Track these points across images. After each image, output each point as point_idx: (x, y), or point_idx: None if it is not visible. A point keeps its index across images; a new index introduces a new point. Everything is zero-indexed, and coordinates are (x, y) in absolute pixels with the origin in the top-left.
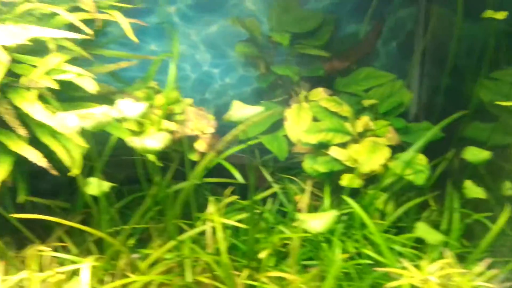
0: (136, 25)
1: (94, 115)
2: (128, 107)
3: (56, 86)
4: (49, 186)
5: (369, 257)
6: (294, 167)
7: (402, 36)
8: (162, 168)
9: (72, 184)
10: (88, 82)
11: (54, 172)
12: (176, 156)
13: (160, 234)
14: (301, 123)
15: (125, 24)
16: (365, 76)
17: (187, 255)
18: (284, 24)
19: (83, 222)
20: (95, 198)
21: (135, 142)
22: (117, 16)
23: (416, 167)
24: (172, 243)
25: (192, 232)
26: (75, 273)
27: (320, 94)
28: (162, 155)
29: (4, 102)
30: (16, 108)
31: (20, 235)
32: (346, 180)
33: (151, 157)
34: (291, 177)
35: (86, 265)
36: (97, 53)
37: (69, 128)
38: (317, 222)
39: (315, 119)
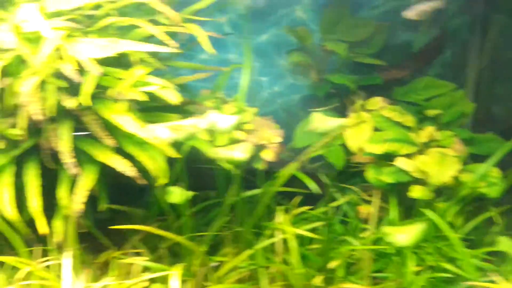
0: (186, 35)
1: (184, 127)
2: (220, 119)
3: (145, 98)
4: (121, 193)
5: (445, 271)
6: (349, 176)
7: (457, 45)
8: (226, 176)
9: (145, 192)
10: (171, 94)
11: (141, 181)
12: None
13: (232, 241)
14: (361, 132)
15: (203, 37)
16: (425, 85)
17: (261, 264)
18: (337, 32)
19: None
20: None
21: (220, 153)
22: (194, 29)
23: (489, 180)
24: (248, 252)
25: (267, 242)
26: (153, 280)
27: (378, 103)
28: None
29: (90, 113)
30: (101, 119)
31: (96, 241)
32: (416, 192)
33: (230, 167)
34: (348, 186)
35: (176, 273)
36: (170, 65)
37: (160, 140)
38: (403, 236)
39: (375, 129)
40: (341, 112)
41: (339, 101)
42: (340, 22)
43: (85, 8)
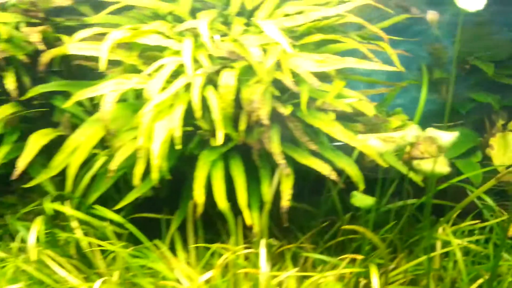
0: None
1: (394, 138)
2: (440, 135)
3: (349, 110)
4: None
5: None
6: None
7: None
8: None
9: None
10: (367, 107)
11: (341, 185)
12: (396, 175)
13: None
14: (509, 152)
15: (393, 54)
16: None
17: (428, 269)
18: (474, 51)
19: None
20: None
21: (421, 166)
22: (385, 47)
23: None
24: (422, 258)
25: (440, 251)
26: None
27: None
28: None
29: (294, 120)
30: (306, 126)
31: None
32: None
33: (416, 178)
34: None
35: (374, 270)
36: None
37: (372, 150)
38: None
39: None
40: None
41: (461, 118)
42: (478, 41)
43: (295, 25)
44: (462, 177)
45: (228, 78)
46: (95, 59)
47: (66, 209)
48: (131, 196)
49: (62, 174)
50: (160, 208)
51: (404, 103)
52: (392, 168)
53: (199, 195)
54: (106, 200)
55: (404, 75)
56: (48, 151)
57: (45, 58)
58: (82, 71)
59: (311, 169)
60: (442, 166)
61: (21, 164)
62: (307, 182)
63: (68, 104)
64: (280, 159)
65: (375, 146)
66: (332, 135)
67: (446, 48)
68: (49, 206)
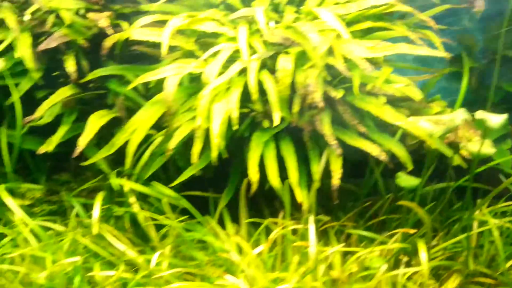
0: None
1: (444, 121)
2: (490, 117)
3: (398, 94)
4: None
5: None
6: None
7: None
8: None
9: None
10: (414, 92)
11: (391, 165)
12: (434, 158)
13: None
14: None
15: (438, 43)
16: None
17: (470, 246)
18: (506, 44)
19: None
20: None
21: (470, 147)
22: (430, 35)
23: None
24: (462, 236)
25: (476, 231)
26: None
27: None
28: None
29: (343, 103)
30: (355, 109)
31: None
32: None
33: (459, 161)
34: None
35: (422, 246)
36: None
37: (422, 132)
38: None
39: None
40: None
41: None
42: (508, 34)
43: (345, 13)
44: (493, 163)
45: (285, 63)
46: (151, 44)
47: (129, 184)
48: (187, 173)
49: (114, 153)
50: (205, 187)
51: (435, 93)
52: (431, 150)
53: (253, 173)
54: (154, 179)
55: (434, 65)
56: (101, 131)
57: (108, 42)
58: (135, 56)
59: (354, 151)
60: (487, 148)
61: (82, 142)
62: (349, 164)
63: (130, 87)
64: (332, 140)
65: (426, 128)
66: (383, 118)
67: (477, 39)
68: (115, 181)
